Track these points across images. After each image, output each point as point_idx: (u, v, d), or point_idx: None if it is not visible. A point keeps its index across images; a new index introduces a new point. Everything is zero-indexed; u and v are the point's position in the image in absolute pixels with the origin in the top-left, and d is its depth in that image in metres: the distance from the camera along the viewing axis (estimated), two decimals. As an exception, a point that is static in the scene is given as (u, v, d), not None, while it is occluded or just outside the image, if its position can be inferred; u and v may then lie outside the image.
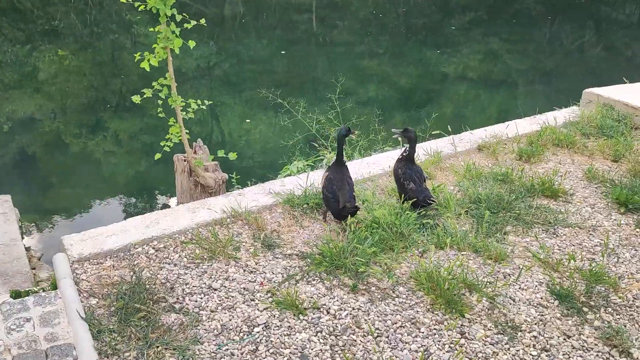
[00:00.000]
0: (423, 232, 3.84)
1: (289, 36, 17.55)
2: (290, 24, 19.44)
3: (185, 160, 4.73)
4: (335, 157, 4.00)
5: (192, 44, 4.22)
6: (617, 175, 4.92)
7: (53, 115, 9.82)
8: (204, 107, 4.48)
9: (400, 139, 5.08)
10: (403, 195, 4.01)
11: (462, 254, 3.62)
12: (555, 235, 3.92)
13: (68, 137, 8.81)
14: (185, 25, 4.13)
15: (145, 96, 4.14)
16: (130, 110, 9.88)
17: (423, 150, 5.13)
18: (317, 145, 6.04)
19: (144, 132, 9.04)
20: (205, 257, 3.50)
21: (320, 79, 13.43)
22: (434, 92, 12.69)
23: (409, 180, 4.03)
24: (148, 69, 4.03)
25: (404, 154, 4.14)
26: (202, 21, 4.19)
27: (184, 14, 4.14)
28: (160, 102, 4.29)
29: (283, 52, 14.75)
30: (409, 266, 3.48)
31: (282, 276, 3.36)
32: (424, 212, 4.00)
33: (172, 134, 4.38)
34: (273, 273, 3.39)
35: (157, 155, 4.28)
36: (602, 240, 3.85)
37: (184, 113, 4.44)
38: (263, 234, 3.74)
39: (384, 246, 3.62)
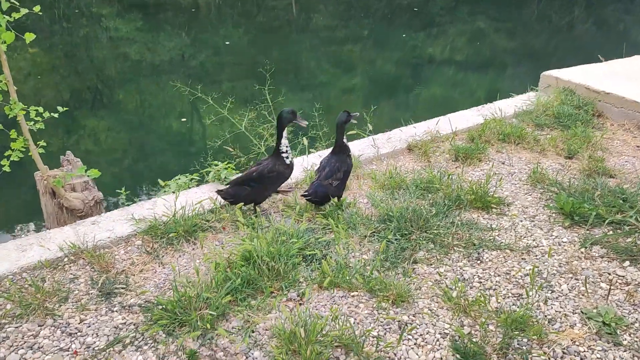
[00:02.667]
0: (309, 266, 3.04)
1: (268, 24, 16.69)
2: (268, 11, 18.59)
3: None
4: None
5: (29, 36, 3.39)
6: (568, 176, 4.13)
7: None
8: (55, 116, 3.66)
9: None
10: None
11: (352, 296, 2.83)
12: (478, 262, 3.12)
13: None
14: (14, 15, 3.31)
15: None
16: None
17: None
18: (232, 150, 5.21)
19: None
20: (15, 314, 2.70)
21: (300, 67, 12.68)
22: (419, 76, 11.93)
23: (317, 171, 3.61)
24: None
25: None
26: (37, 9, 3.37)
27: (14, 2, 3.31)
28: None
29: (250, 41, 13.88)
30: (279, 317, 2.68)
31: (108, 340, 2.56)
32: (318, 237, 3.21)
33: (14, 149, 3.55)
34: (98, 335, 2.59)
35: (-6, 178, 3.45)
36: (537, 266, 3.06)
37: (31, 123, 3.62)
38: (103, 278, 2.94)
39: (252, 290, 2.82)
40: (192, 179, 3.98)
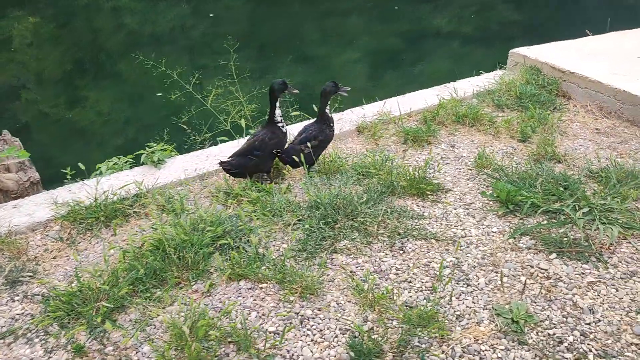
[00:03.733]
0: (223, 256, 2.97)
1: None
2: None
3: (-22, 160, 3.83)
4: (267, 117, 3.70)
5: None
6: (515, 161, 4.01)
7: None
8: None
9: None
10: None
11: (261, 288, 2.76)
12: (400, 252, 3.04)
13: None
14: None
15: None
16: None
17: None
18: (186, 128, 5.11)
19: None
20: None
21: (298, 39, 12.46)
22: (424, 49, 11.66)
23: (296, 136, 3.80)
24: None
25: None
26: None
27: None
28: None
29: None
30: (179, 310, 2.62)
31: (1, 331, 2.52)
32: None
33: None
34: (-8, 326, 2.54)
35: None
36: (457, 257, 2.97)
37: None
38: (10, 265, 2.88)
39: (158, 281, 2.76)
40: (126, 161, 3.88)
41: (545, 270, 2.88)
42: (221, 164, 3.59)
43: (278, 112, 3.64)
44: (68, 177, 4.47)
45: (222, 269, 2.83)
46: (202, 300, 2.66)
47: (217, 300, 2.67)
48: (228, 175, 3.66)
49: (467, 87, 5.28)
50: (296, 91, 3.67)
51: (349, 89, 3.75)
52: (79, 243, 3.12)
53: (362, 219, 3.23)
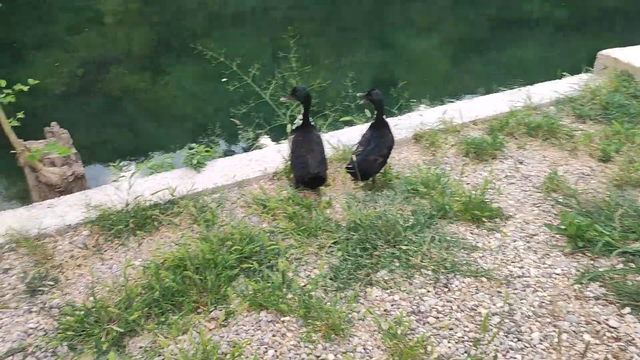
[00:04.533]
0: (248, 278, 2.74)
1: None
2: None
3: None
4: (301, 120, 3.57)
5: None
6: (593, 185, 3.50)
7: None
8: (24, 89, 3.51)
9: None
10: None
11: (282, 321, 2.51)
12: (445, 290, 2.69)
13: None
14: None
15: None
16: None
17: (328, 144, 3.91)
18: (238, 123, 4.93)
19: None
20: (-64, 306, 2.62)
21: (380, 23, 12.09)
22: (508, 38, 10.95)
23: (359, 145, 3.48)
24: None
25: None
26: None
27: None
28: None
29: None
30: (196, 338, 2.42)
31: (12, 346, 2.43)
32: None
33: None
34: (4, 340, 2.46)
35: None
36: (510, 303, 2.59)
37: (2, 96, 3.51)
38: (33, 273, 2.81)
39: (174, 304, 2.58)
40: (163, 162, 3.74)
41: (615, 329, 2.44)
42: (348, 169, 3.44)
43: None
44: (114, 169, 4.42)
45: (244, 296, 2.60)
46: (218, 330, 2.45)
47: (233, 332, 2.45)
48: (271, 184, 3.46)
49: (544, 92, 4.74)
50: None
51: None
52: (105, 251, 3.00)
53: (404, 247, 2.90)
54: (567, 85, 4.85)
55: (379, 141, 3.45)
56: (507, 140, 4.08)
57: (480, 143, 3.88)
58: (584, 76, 5.12)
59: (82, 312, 2.46)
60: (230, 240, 2.88)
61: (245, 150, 6.33)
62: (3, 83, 3.43)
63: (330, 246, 2.97)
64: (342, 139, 3.96)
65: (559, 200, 3.35)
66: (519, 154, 3.93)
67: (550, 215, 3.23)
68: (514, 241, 3.03)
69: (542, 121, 4.15)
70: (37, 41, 10.49)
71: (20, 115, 3.63)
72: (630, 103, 4.43)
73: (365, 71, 9.33)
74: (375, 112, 3.53)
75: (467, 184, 3.58)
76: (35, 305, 2.64)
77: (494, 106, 4.47)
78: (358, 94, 3.61)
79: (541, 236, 3.06)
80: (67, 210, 3.24)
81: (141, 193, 3.30)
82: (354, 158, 3.34)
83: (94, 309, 2.48)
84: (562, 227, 3.03)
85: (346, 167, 3.44)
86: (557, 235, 3.05)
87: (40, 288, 2.73)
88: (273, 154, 3.80)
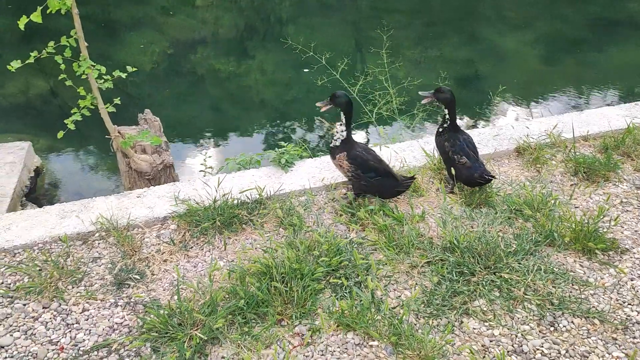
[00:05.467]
0: (335, 293, 2.60)
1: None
2: None
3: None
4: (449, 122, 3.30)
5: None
6: None
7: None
8: (123, 76, 3.53)
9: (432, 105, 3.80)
10: (455, 174, 3.22)
11: (370, 346, 2.35)
12: (551, 329, 2.42)
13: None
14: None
15: (31, 59, 3.25)
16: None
17: (420, 153, 3.69)
18: (323, 121, 4.80)
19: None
20: (29, 289, 2.66)
21: (471, 17, 11.66)
22: (609, 40, 10.23)
23: (460, 153, 3.22)
24: (22, 28, 3.11)
25: (445, 125, 3.31)
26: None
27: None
28: (63, 66, 3.40)
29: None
30: (280, 354, 2.31)
31: (98, 340, 2.42)
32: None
33: (81, 107, 3.50)
34: (90, 333, 2.46)
35: (60, 134, 3.43)
36: (627, 353, 2.29)
37: (101, 81, 3.54)
38: (120, 264, 2.80)
39: (259, 313, 2.47)
40: (251, 158, 3.65)
41: None
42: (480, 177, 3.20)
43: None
44: (202, 164, 4.41)
45: (330, 313, 2.46)
46: (303, 348, 2.32)
47: (318, 353, 2.31)
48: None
49: (666, 108, 4.26)
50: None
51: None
52: (191, 248, 2.95)
53: (506, 275, 2.65)
54: (693, 102, 4.34)
55: (470, 146, 3.26)
56: (623, 160, 3.68)
57: (592, 162, 3.52)
58: None
59: (166, 313, 2.41)
60: (317, 250, 2.74)
61: (328, 144, 6.22)
62: (103, 69, 3.45)
63: (422, 266, 2.76)
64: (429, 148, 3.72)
65: (685, 236, 2.96)
66: (636, 177, 3.54)
67: (674, 253, 2.86)
68: (632, 280, 2.70)
69: (664, 142, 3.71)
70: (132, 21, 10.82)
71: (116, 101, 3.65)
72: None
73: (452, 67, 8.93)
74: (447, 115, 3.27)
75: (576, 207, 3.25)
76: (121, 299, 2.63)
77: (608, 121, 4.06)
78: (421, 93, 3.34)
79: (664, 277, 2.71)
80: (156, 201, 3.23)
81: (229, 190, 3.22)
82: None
83: (178, 310, 2.41)
84: (692, 270, 2.66)
85: (476, 177, 3.18)
86: (684, 279, 2.68)
87: (127, 281, 2.71)
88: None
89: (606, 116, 4.15)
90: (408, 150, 3.78)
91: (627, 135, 3.81)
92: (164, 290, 2.68)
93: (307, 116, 6.86)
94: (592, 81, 8.41)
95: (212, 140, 6.50)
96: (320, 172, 3.53)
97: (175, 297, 2.57)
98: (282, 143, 3.65)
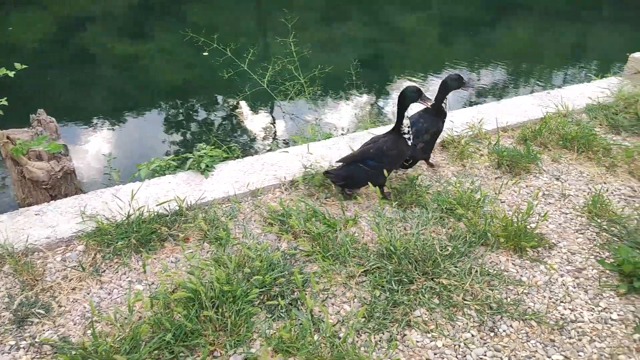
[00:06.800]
0: (271, 314, 2.41)
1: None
2: None
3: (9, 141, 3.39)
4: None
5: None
6: (637, 209, 3.22)
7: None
8: (10, 74, 3.06)
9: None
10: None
11: (312, 371, 2.19)
12: (492, 335, 2.39)
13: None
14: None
15: None
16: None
17: (348, 150, 3.55)
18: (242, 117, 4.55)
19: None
20: None
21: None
22: (498, 21, 10.53)
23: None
24: None
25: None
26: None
27: None
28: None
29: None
30: (211, 392, 2.09)
31: (-3, 393, 2.07)
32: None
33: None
34: (-13, 385, 2.10)
35: None
36: (567, 356, 2.30)
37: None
38: (20, 298, 2.42)
39: (189, 344, 2.23)
40: (167, 163, 3.33)
41: (686, 392, 2.18)
42: (327, 173, 3.10)
43: (406, 122, 3.03)
44: (108, 172, 4.00)
45: (267, 339, 2.27)
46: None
47: (254, 386, 2.12)
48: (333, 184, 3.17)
49: (575, 97, 4.43)
50: (430, 102, 3.04)
51: (474, 84, 3.22)
52: (104, 272, 2.63)
53: (445, 281, 2.58)
54: (598, 90, 4.55)
55: (422, 126, 3.34)
56: (541, 151, 3.77)
57: (513, 155, 3.56)
58: (613, 80, 4.82)
59: (79, 354, 2.10)
60: (248, 266, 2.53)
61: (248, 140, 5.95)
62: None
63: (360, 275, 2.64)
64: (354, 145, 3.60)
65: (604, 226, 3.06)
66: (554, 169, 3.63)
67: (596, 245, 2.95)
68: (562, 276, 2.74)
69: (577, 132, 3.84)
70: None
71: (3, 102, 3.18)
72: (668, 115, 4.15)
73: (357, 47, 8.91)
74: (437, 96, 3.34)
75: (503, 202, 3.27)
76: (23, 340, 2.27)
77: (525, 111, 4.15)
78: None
79: (590, 271, 2.77)
80: (59, 219, 2.84)
81: (144, 202, 2.91)
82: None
83: (93, 350, 2.12)
84: (616, 264, 2.74)
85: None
86: (608, 271, 2.76)
87: (30, 318, 2.36)
88: (288, 158, 3.43)
89: (522, 106, 4.23)
90: (334, 147, 3.62)
91: (543, 125, 3.90)
92: (74, 324, 2.36)
93: (220, 106, 6.54)
94: (487, 58, 8.75)
95: (115, 136, 6.01)
96: (245, 175, 3.30)
97: (90, 331, 2.27)
98: (201, 145, 3.36)
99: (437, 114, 3.31)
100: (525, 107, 4.22)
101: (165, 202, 2.89)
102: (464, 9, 11.21)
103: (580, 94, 4.46)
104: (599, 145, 3.79)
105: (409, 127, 3.04)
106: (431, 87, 7.49)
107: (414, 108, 3.13)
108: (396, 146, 3.02)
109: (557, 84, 7.26)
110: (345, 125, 6.31)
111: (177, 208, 2.91)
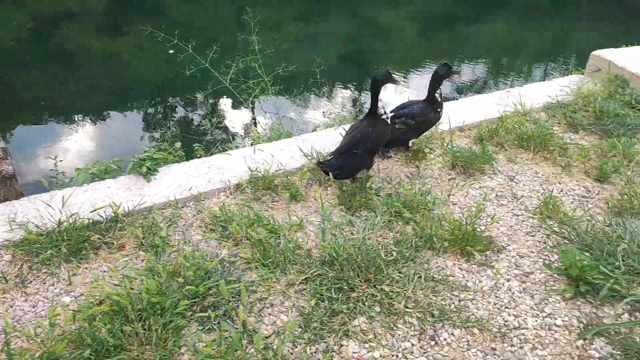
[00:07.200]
0: (202, 326, 2.30)
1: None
2: None
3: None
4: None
5: None
6: (590, 210, 3.17)
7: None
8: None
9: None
10: None
11: (241, 387, 2.09)
12: (432, 344, 2.32)
13: None
14: None
15: None
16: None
17: (298, 152, 3.46)
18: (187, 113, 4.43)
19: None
20: None
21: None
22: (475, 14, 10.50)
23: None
24: None
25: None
26: None
27: None
28: None
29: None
30: (132, 411, 1.98)
31: None
32: None
33: None
34: None
35: None
36: (507, 365, 2.24)
37: None
38: (-64, 314, 2.29)
39: (111, 361, 2.12)
40: (107, 166, 3.20)
41: (626, 401, 2.12)
42: (319, 164, 3.08)
43: (381, 103, 3.16)
44: (55, 167, 3.87)
45: (196, 352, 2.17)
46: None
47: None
48: (327, 173, 3.11)
49: (534, 95, 4.38)
50: (401, 83, 3.33)
51: (459, 72, 3.28)
52: (30, 283, 2.50)
53: (387, 288, 2.51)
54: (558, 88, 4.50)
55: (412, 111, 3.37)
56: (497, 151, 3.71)
57: (468, 155, 3.50)
58: (574, 78, 4.78)
59: (-7, 374, 1.99)
60: (182, 276, 2.43)
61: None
62: None
63: (300, 283, 2.55)
64: (315, 145, 3.51)
65: (555, 229, 3.01)
66: (509, 169, 3.57)
67: (546, 248, 2.89)
68: (508, 280, 2.67)
69: (534, 131, 3.78)
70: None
71: None
72: (626, 113, 4.11)
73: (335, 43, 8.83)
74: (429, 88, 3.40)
75: (455, 204, 3.20)
76: None
77: (485, 109, 4.09)
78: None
79: (537, 275, 2.71)
80: (-13, 227, 2.71)
81: (78, 208, 2.78)
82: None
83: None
84: (563, 268, 2.68)
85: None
86: (556, 275, 2.70)
87: (-55, 334, 2.23)
88: (235, 161, 3.33)
89: (481, 105, 4.17)
90: (286, 149, 3.53)
91: (500, 125, 3.84)
92: (-7, 340, 2.23)
93: (183, 105, 6.40)
94: (461, 55, 8.71)
95: (70, 137, 5.85)
96: (189, 179, 3.19)
97: (17, 343, 2.15)
98: (144, 147, 3.24)
99: (429, 104, 3.37)
100: (485, 105, 4.16)
101: (99, 209, 2.77)
102: (441, 5, 11.18)
103: (541, 93, 4.41)
104: (555, 145, 3.74)
105: (383, 107, 3.15)
106: (411, 82, 7.44)
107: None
108: (377, 127, 3.10)
109: (530, 82, 7.24)
110: (314, 123, 6.22)
111: (113, 214, 2.79)
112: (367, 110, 3.20)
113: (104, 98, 6.91)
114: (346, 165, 3.08)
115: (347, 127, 3.61)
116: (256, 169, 3.20)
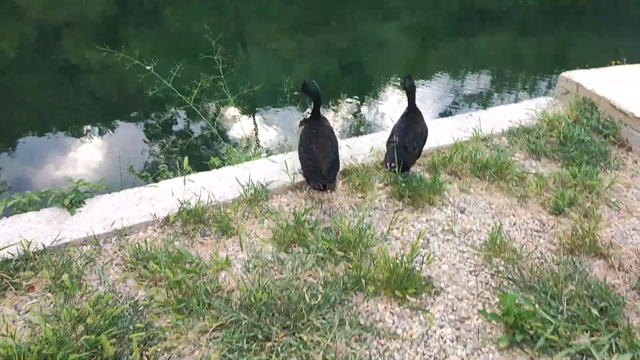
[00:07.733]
0: (96, 382, 2.14)
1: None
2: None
3: None
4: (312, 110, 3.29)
5: None
6: (541, 246, 3.00)
7: None
8: None
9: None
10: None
11: None
12: (347, 402, 2.14)
13: None
14: None
15: None
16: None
17: (235, 182, 3.30)
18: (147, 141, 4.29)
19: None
20: None
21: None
22: (465, 31, 10.41)
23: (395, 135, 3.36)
24: None
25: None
26: None
27: None
28: None
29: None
30: None
31: None
32: None
33: None
34: None
35: None
36: None
37: None
38: None
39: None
40: (30, 198, 3.04)
41: None
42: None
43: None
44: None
45: (84, 412, 2.00)
46: None
47: None
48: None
49: (497, 119, 4.21)
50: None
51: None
52: None
53: (305, 337, 2.33)
54: (524, 112, 4.34)
55: (416, 130, 3.35)
56: (450, 180, 3.54)
57: (417, 185, 3.33)
58: (542, 100, 4.61)
59: None
60: (83, 323, 2.26)
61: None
62: None
63: (215, 330, 2.38)
64: (254, 175, 3.36)
65: (501, 267, 2.83)
66: (460, 200, 3.39)
67: (488, 289, 2.71)
68: (441, 327, 2.49)
69: (490, 160, 3.61)
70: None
71: None
72: (591, 139, 3.94)
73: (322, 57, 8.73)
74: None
75: (397, 239, 3.03)
76: None
77: (446, 133, 3.92)
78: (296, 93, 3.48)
79: (473, 321, 2.53)
80: None
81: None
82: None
83: None
84: (500, 315, 2.51)
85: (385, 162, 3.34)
86: (491, 323, 2.52)
87: None
88: (168, 191, 3.17)
89: (441, 129, 4.01)
90: (224, 179, 3.37)
91: (454, 152, 3.67)
92: None
93: (145, 126, 6.28)
94: (469, 66, 8.56)
95: (21, 160, 5.71)
96: (117, 211, 3.03)
97: None
98: (71, 176, 3.08)
99: (417, 116, 3.37)
100: (445, 130, 3.99)
101: (9, 246, 2.61)
102: (431, 19, 11.08)
103: (504, 116, 4.24)
104: (512, 174, 3.56)
105: None
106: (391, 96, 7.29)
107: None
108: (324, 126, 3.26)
109: (506, 103, 7.09)
110: (283, 144, 6.08)
111: (24, 252, 2.63)
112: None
113: (66, 116, 6.80)
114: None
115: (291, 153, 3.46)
116: (186, 201, 3.04)
